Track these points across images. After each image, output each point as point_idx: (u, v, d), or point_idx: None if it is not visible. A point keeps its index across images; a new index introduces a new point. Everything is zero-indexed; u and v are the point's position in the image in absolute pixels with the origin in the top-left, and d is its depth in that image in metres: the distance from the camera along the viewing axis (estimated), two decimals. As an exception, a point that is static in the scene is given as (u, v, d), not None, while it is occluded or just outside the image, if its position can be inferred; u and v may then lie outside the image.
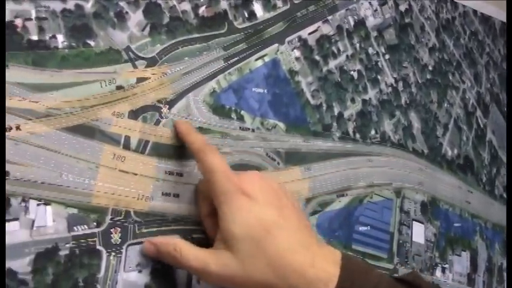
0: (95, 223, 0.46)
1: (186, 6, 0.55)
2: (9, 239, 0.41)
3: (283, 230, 0.44)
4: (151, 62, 0.52)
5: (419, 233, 0.74)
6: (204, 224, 0.51)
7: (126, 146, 0.49)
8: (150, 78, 0.51)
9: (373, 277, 0.45)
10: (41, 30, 0.45)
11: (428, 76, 0.81)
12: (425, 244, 0.75)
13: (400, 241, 0.71)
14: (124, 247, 0.47)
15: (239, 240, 0.43)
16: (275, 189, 0.48)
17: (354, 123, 0.69)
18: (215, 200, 0.46)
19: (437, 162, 0.79)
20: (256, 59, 0.60)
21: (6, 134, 0.42)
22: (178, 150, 0.52)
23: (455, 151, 0.83)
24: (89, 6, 0.48)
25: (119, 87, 0.49)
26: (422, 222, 0.75)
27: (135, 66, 0.50)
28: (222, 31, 0.58)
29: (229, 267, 0.43)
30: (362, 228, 0.67)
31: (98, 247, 0.46)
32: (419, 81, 0.79)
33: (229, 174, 0.46)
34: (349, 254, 0.47)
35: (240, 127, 0.58)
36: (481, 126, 0.89)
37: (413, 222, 0.74)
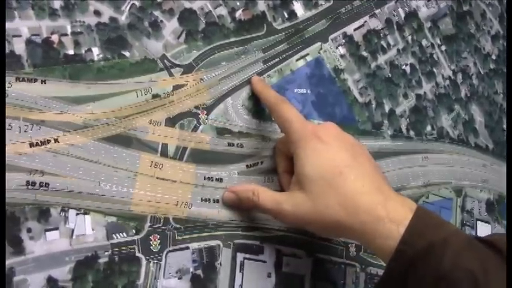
0: (133, 231, 0.47)
1: (223, 11, 0.55)
2: (49, 248, 0.43)
3: (356, 172, 0.45)
4: (188, 69, 0.52)
5: (485, 233, 0.69)
6: (281, 180, 0.54)
7: (164, 154, 0.49)
8: (186, 85, 0.52)
9: (447, 229, 0.43)
10: (76, 44, 0.47)
11: (492, 66, 0.76)
12: (492, 245, 0.70)
13: (463, 243, 0.67)
14: (163, 254, 0.48)
15: (312, 181, 0.45)
16: (350, 139, 0.49)
17: (408, 119, 0.66)
18: (292, 146, 0.48)
19: (504, 157, 0.74)
20: (298, 59, 0.59)
21: (45, 146, 0.44)
22: (217, 155, 0.52)
23: (526, 144, 0.77)
24: (123, 19, 0.49)
25: (155, 96, 0.50)
26: (488, 222, 0.70)
27: (171, 74, 0.51)
28: (261, 33, 0.57)
29: (302, 207, 0.45)
30: (418, 230, 0.64)
31: (137, 254, 0.47)
32: (482, 72, 0.74)
33: (304, 122, 0.49)
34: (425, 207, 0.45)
35: (282, 130, 0.57)
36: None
37: (478, 222, 0.69)
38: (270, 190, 0.49)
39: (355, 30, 0.64)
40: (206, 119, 0.52)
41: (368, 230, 0.43)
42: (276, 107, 0.51)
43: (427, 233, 0.42)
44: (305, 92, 0.59)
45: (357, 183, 0.44)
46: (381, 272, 0.59)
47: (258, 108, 0.55)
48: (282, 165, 0.53)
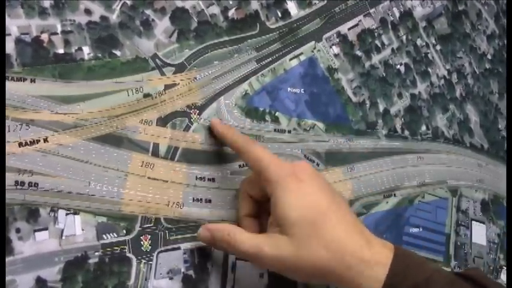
0: (124, 231, 0.47)
1: (215, 9, 0.55)
2: (38, 249, 0.43)
3: (338, 214, 0.44)
4: (180, 68, 0.52)
5: (480, 233, 0.69)
6: (242, 224, 0.50)
7: (155, 153, 0.49)
8: (178, 84, 0.51)
9: (428, 268, 0.43)
10: (66, 43, 0.47)
11: (487, 65, 0.75)
12: (487, 245, 0.70)
13: (458, 243, 0.67)
14: (154, 254, 0.48)
15: (295, 223, 0.43)
16: (324, 178, 0.48)
17: (402, 119, 0.66)
18: (268, 186, 0.46)
19: (499, 157, 0.74)
20: (291, 59, 0.59)
21: (34, 146, 0.44)
22: (210, 155, 0.52)
23: (522, 144, 0.77)
24: (114, 17, 0.49)
25: (147, 95, 0.49)
26: (483, 222, 0.70)
27: (162, 73, 0.51)
28: (254, 32, 0.57)
29: (284, 250, 0.43)
30: (413, 230, 0.63)
31: (128, 255, 0.46)
32: (477, 72, 0.74)
33: (280, 162, 0.47)
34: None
35: (275, 129, 0.56)
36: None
37: (473, 222, 0.69)
38: (246, 232, 0.46)
39: (349, 29, 0.64)
40: (198, 119, 0.52)
41: (354, 274, 0.42)
42: (246, 148, 0.48)
43: (410, 274, 0.42)
44: (298, 91, 0.59)
45: (340, 226, 0.43)
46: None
47: (251, 107, 0.55)
48: (245, 207, 0.50)
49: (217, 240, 0.46)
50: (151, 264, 0.47)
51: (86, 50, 0.47)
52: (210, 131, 0.52)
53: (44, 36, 0.46)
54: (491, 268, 0.69)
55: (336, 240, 0.43)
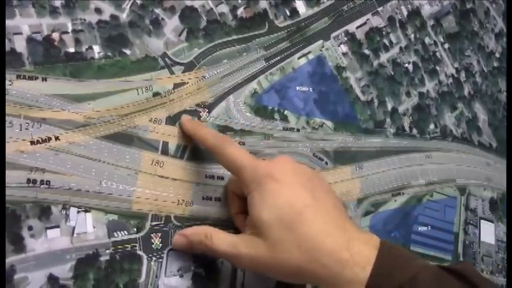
0: (135, 229, 0.47)
1: (224, 8, 0.55)
2: (50, 246, 0.43)
3: (316, 212, 0.42)
4: (189, 67, 0.52)
5: (488, 232, 0.69)
6: (235, 222, 0.51)
7: (165, 152, 0.49)
8: (187, 83, 0.51)
9: (414, 265, 0.41)
10: (77, 42, 0.47)
11: (495, 64, 0.75)
12: (496, 244, 0.70)
13: (467, 242, 0.67)
14: (165, 252, 0.48)
15: (269, 227, 0.42)
16: (307, 172, 0.46)
17: (410, 118, 0.66)
18: (245, 189, 0.45)
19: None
20: (299, 57, 0.59)
21: (46, 144, 0.44)
22: (219, 153, 0.52)
23: (530, 143, 0.77)
24: (124, 16, 0.49)
25: (156, 94, 0.50)
26: (491, 221, 0.70)
27: (172, 72, 0.51)
28: (263, 31, 0.57)
29: (260, 252, 0.42)
30: (421, 229, 0.63)
31: (139, 252, 0.47)
32: (485, 70, 0.74)
33: (255, 161, 0.45)
34: (389, 241, 0.43)
35: (284, 127, 0.56)
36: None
37: (481, 221, 0.69)
38: (224, 232, 0.45)
39: (357, 28, 0.64)
40: (208, 117, 0.52)
41: (332, 275, 0.40)
42: (219, 149, 0.46)
43: (394, 273, 0.40)
44: (307, 90, 0.59)
45: (317, 224, 0.41)
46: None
47: (260, 105, 0.55)
48: (234, 206, 0.50)
49: (195, 244, 0.46)
50: (161, 262, 0.47)
51: (97, 48, 0.48)
52: (182, 131, 0.50)
53: (55, 35, 0.46)
54: (500, 267, 0.69)
55: (312, 239, 0.41)
